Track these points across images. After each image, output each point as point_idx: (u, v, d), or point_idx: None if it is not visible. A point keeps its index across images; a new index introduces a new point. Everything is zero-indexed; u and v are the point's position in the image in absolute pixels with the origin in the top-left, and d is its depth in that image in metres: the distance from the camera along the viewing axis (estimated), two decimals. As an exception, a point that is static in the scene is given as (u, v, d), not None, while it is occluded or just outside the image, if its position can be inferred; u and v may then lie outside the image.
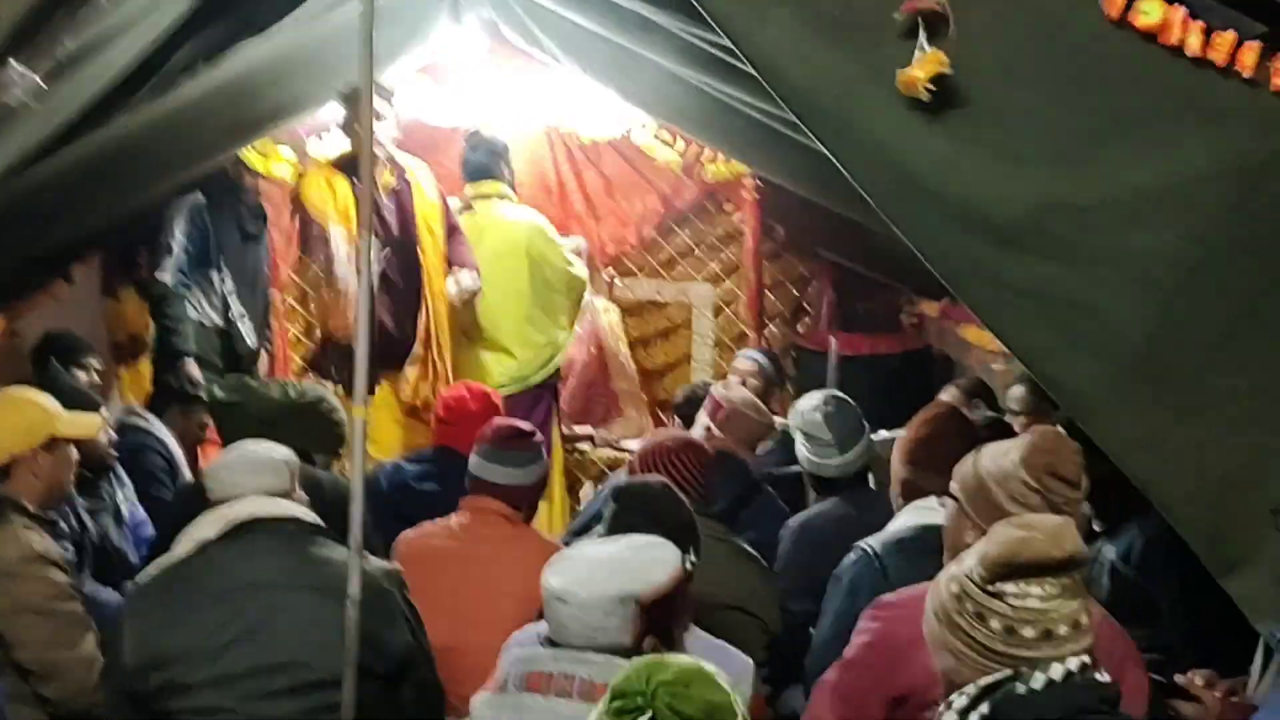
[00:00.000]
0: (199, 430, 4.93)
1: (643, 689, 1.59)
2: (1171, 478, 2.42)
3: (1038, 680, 1.75)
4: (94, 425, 3.55)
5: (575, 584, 2.12)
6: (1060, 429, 2.65)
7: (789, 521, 3.84)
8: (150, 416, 4.80)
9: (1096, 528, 3.31)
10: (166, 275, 5.32)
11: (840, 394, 3.99)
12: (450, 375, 5.33)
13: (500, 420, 3.65)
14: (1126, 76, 2.36)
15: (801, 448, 3.87)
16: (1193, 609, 2.87)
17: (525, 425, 3.59)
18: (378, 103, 4.84)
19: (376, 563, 2.78)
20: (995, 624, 1.77)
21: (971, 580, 1.80)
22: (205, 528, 2.66)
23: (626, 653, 2.06)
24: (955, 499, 2.54)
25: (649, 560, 2.24)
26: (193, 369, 5.27)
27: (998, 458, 2.49)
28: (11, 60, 3.05)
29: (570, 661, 2.13)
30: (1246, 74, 2.27)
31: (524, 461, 3.45)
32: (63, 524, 3.48)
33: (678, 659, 1.69)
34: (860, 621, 2.56)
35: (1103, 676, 1.80)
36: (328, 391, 3.69)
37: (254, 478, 2.76)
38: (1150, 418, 2.41)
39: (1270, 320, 2.33)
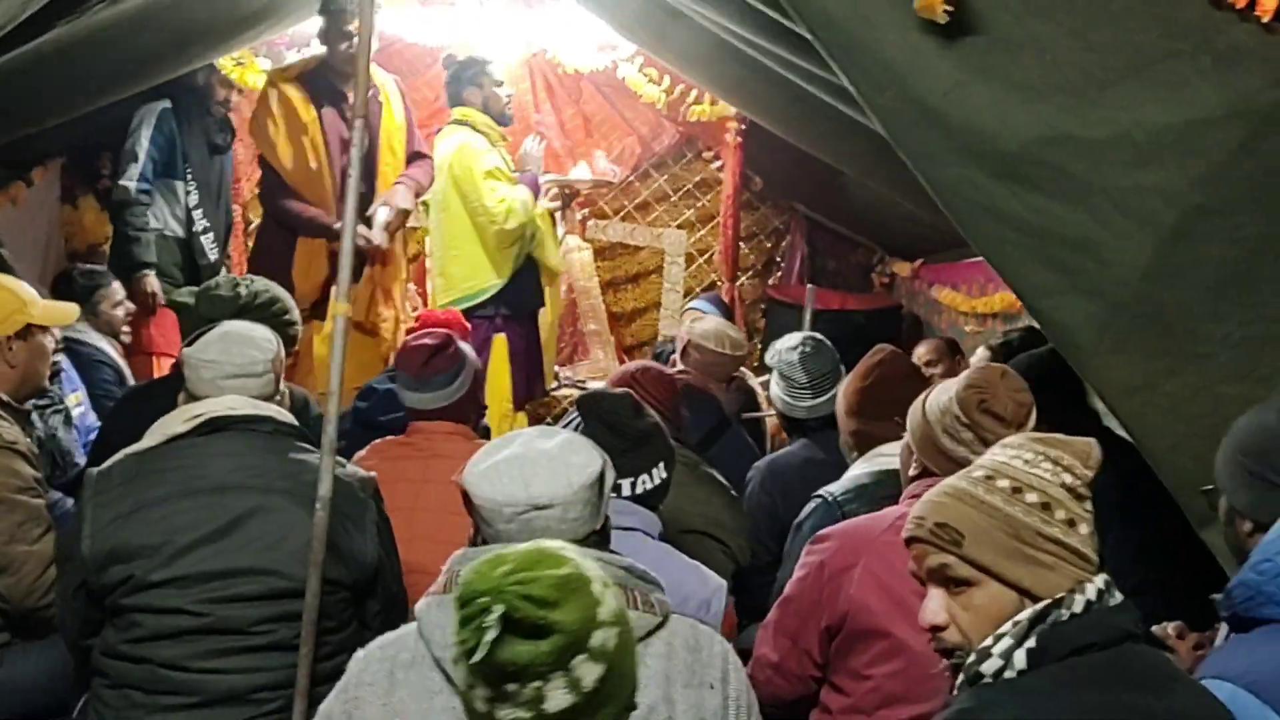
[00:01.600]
0: (119, 323, 4.91)
1: (488, 587, 1.52)
2: (1160, 424, 2.40)
3: (1077, 603, 1.67)
4: (70, 314, 3.46)
5: (548, 486, 1.91)
6: (1002, 368, 2.63)
7: (757, 463, 3.82)
8: (87, 329, 4.70)
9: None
10: (131, 183, 5.22)
11: (820, 336, 3.95)
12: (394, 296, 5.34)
13: (409, 344, 3.50)
14: (1143, 13, 2.31)
15: (775, 387, 3.85)
16: (1166, 560, 2.86)
17: (432, 340, 3.41)
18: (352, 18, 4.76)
19: (353, 469, 2.70)
20: (1060, 514, 1.70)
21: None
22: (175, 423, 2.56)
23: (588, 538, 1.93)
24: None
25: (584, 447, 2.02)
26: (153, 282, 5.19)
27: (940, 393, 2.51)
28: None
29: None
30: (1266, 18, 2.23)
31: (445, 381, 3.36)
32: (35, 417, 3.37)
33: (514, 548, 1.61)
34: (800, 558, 2.57)
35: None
36: (281, 290, 3.58)
37: (235, 380, 2.67)
38: (1143, 362, 2.38)
39: (1270, 269, 2.30)
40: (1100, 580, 1.70)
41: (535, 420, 5.97)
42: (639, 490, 2.58)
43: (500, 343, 5.44)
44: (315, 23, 5.05)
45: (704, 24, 4.13)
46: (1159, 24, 2.29)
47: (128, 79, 4.74)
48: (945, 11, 2.28)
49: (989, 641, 1.68)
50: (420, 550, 2.87)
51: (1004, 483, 1.71)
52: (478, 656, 1.51)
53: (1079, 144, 2.32)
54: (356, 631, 2.58)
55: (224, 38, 4.77)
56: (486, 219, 5.27)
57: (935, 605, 1.74)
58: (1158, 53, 2.29)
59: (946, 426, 2.47)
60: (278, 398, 2.79)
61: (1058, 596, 1.67)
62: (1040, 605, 1.67)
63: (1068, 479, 1.72)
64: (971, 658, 1.69)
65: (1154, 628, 2.48)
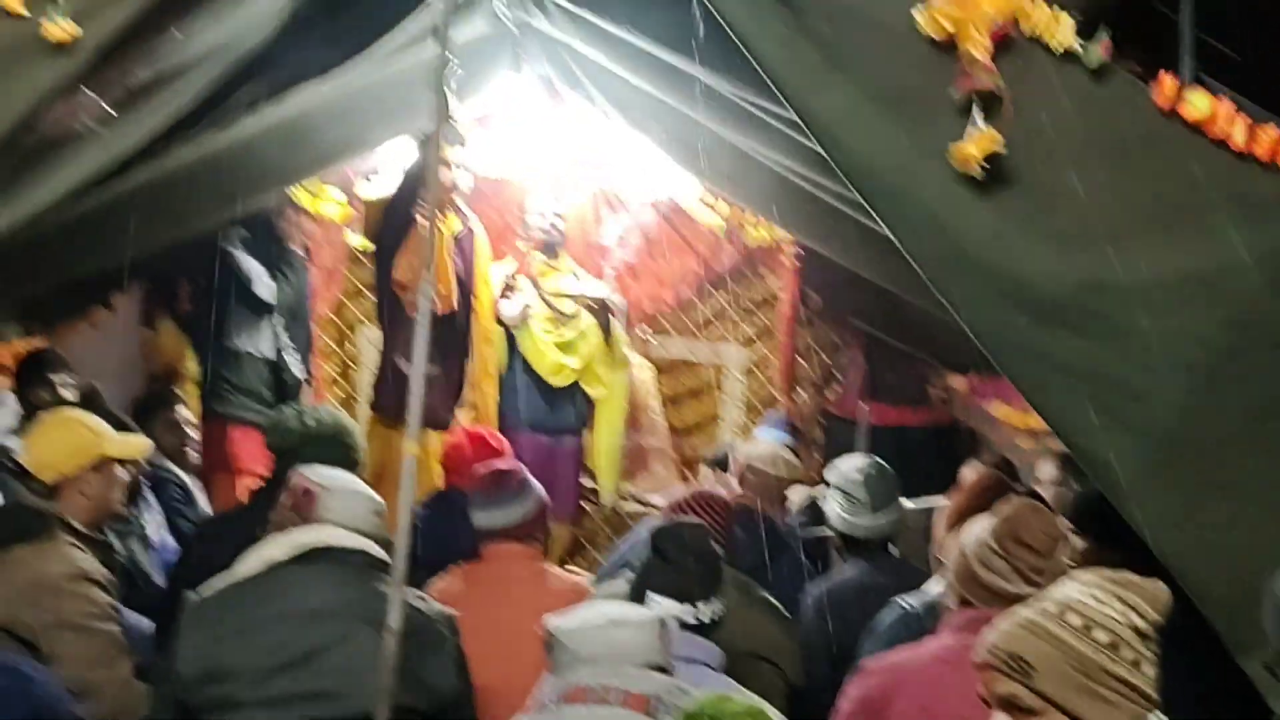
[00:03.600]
0: (183, 443, 5.02)
1: (714, 714, 1.72)
2: (1197, 556, 2.46)
3: None
4: (143, 447, 3.62)
5: (626, 610, 2.20)
6: (1034, 503, 2.72)
7: (811, 587, 3.88)
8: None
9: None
10: (266, 293, 5.47)
11: (880, 460, 4.03)
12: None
13: (477, 470, 3.68)
14: (1173, 165, 2.44)
15: (834, 505, 3.90)
16: (1205, 692, 2.89)
17: (502, 464, 3.61)
18: (451, 149, 5.00)
19: (435, 606, 2.83)
20: (1127, 653, 1.79)
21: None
22: (274, 549, 2.71)
23: (659, 668, 2.20)
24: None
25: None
26: None
27: (975, 528, 2.61)
28: (84, 87, 3.12)
29: (608, 675, 2.21)
30: (1287, 169, 2.35)
31: (510, 499, 3.50)
32: (117, 543, 3.53)
33: (744, 695, 1.84)
34: (846, 688, 2.65)
35: None
36: (346, 419, 3.75)
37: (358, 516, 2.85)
38: (1180, 496, 2.46)
39: (1301, 406, 2.38)
40: (1156, 717, 1.79)
41: (591, 538, 6.10)
42: (707, 618, 2.70)
43: None
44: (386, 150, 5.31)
45: (759, 158, 4.29)
46: (1186, 176, 2.42)
47: (209, 214, 4.97)
48: (981, 166, 2.42)
49: None
50: (492, 670, 2.99)
51: (1075, 619, 1.81)
52: None
53: (1114, 289, 2.43)
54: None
55: (297, 171, 5.00)
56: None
57: None
58: (1186, 203, 2.42)
59: (982, 558, 2.55)
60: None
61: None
62: None
63: (1137, 620, 1.81)
64: None
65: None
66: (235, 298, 5.50)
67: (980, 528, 2.59)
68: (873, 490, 3.84)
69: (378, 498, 2.96)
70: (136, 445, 3.59)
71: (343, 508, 2.83)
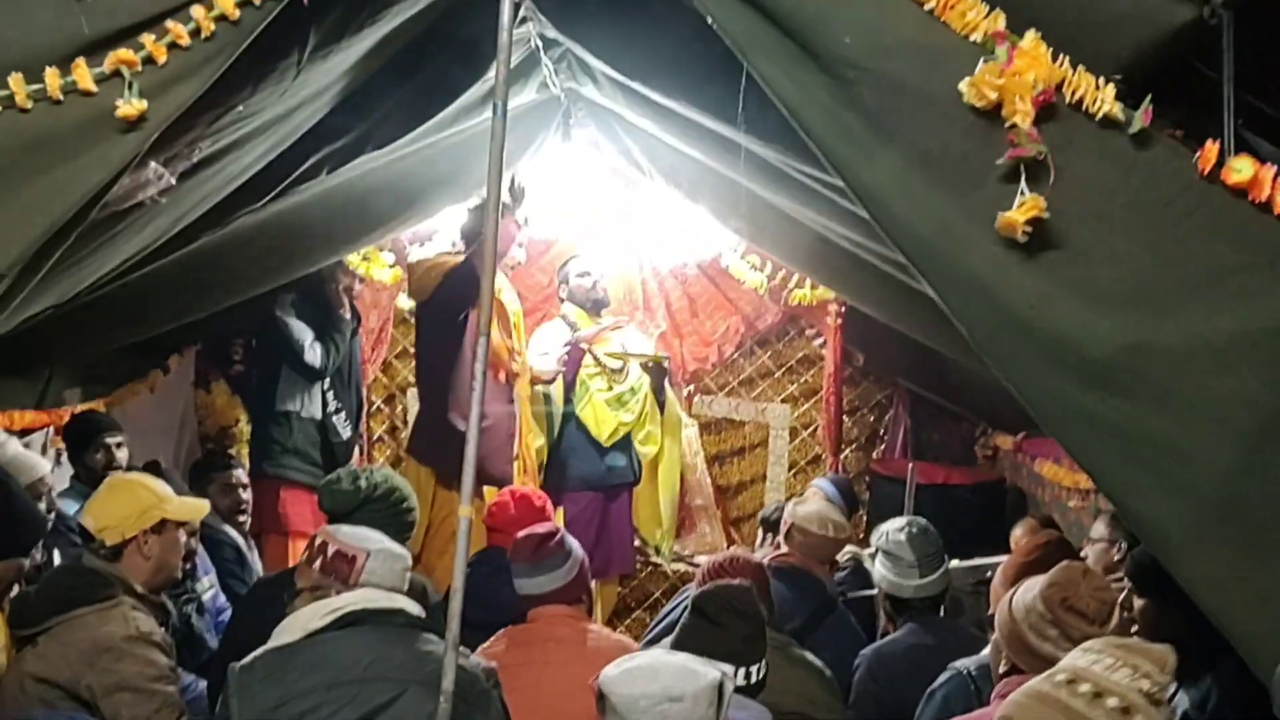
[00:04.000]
0: (236, 502, 5.10)
1: None
2: (1250, 618, 2.45)
3: None
4: (202, 509, 3.69)
5: (679, 681, 2.21)
6: (1084, 566, 2.74)
7: (864, 650, 3.89)
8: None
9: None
10: (316, 359, 5.58)
11: (924, 520, 4.04)
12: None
13: (520, 538, 3.68)
14: (1216, 228, 2.46)
15: (881, 567, 3.93)
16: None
17: (541, 529, 3.63)
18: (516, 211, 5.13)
19: (476, 660, 2.85)
20: (1139, 718, 1.82)
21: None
22: (314, 618, 2.75)
23: None
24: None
25: (704, 660, 2.37)
26: None
27: (1025, 593, 2.61)
28: (152, 160, 3.21)
29: None
30: (1333, 232, 2.37)
31: (556, 565, 3.53)
32: (170, 605, 3.59)
33: None
34: None
35: None
36: (400, 480, 3.80)
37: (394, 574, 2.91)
38: (1230, 558, 2.45)
39: (1350, 467, 2.39)
40: None
41: (643, 595, 6.11)
42: (754, 679, 2.73)
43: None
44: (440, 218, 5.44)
45: (803, 219, 4.35)
46: (1229, 239, 2.44)
47: (264, 279, 5.08)
48: (1025, 231, 2.45)
49: None
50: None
51: (1085, 687, 1.83)
52: None
53: (1160, 352, 2.45)
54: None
55: (352, 239, 5.10)
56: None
57: None
58: (1229, 266, 2.44)
59: (1033, 624, 2.56)
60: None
61: None
62: None
63: (1146, 685, 1.83)
64: None
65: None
66: (285, 362, 5.61)
67: (1030, 593, 2.60)
68: (919, 552, 3.85)
69: (403, 551, 3.00)
70: (196, 508, 3.67)
71: (380, 568, 2.87)
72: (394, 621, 2.75)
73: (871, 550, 4.14)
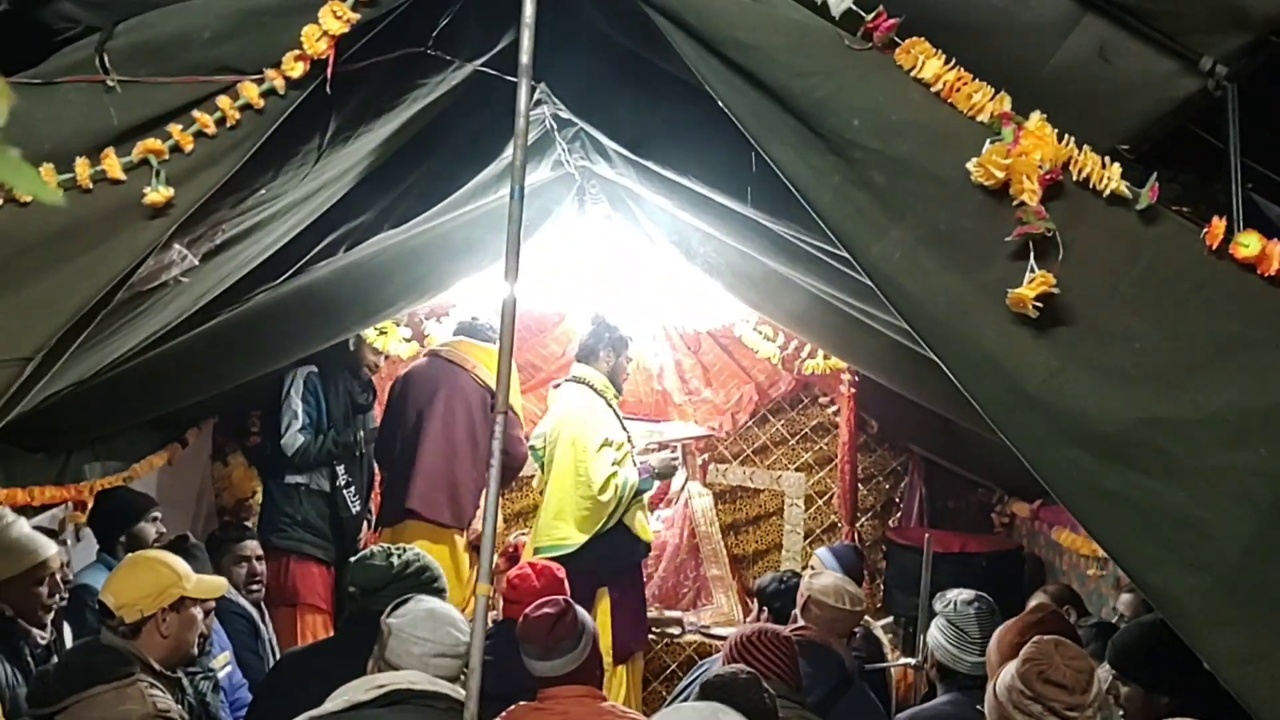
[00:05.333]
0: (250, 574, 5.09)
1: None
2: (1271, 693, 2.45)
3: None
4: (220, 587, 3.71)
5: None
6: (1056, 639, 2.74)
7: (900, 715, 3.87)
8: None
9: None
10: (291, 446, 5.60)
11: (992, 600, 4.03)
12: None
13: (531, 615, 3.60)
14: (1225, 303, 2.48)
15: (940, 635, 3.90)
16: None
17: (552, 609, 3.54)
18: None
19: None
20: None
21: None
22: (358, 691, 2.77)
23: None
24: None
25: (731, 710, 2.44)
26: None
27: (1005, 673, 2.63)
28: (176, 243, 3.26)
29: None
30: (1342, 307, 2.39)
31: (570, 647, 3.47)
32: (185, 682, 3.60)
33: None
34: None
35: None
36: (430, 558, 3.82)
37: (441, 659, 2.94)
38: (1251, 633, 2.45)
39: (1368, 542, 2.39)
40: None
41: (659, 667, 6.07)
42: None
43: (604, 598, 5.59)
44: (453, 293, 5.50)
45: (814, 290, 4.40)
46: (1238, 315, 2.46)
47: (281, 354, 5.14)
48: (1035, 306, 2.48)
49: None
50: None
51: None
52: None
53: (1174, 426, 2.46)
54: None
55: (370, 314, 5.16)
56: (586, 484, 5.53)
57: None
58: (1240, 340, 2.45)
59: (1015, 702, 2.59)
60: None
61: None
62: None
63: None
64: None
65: None
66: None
67: (1009, 673, 2.62)
68: (983, 630, 3.83)
69: (459, 630, 3.03)
70: (214, 586, 3.69)
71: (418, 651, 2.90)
72: (436, 706, 2.77)
73: (933, 616, 4.09)
